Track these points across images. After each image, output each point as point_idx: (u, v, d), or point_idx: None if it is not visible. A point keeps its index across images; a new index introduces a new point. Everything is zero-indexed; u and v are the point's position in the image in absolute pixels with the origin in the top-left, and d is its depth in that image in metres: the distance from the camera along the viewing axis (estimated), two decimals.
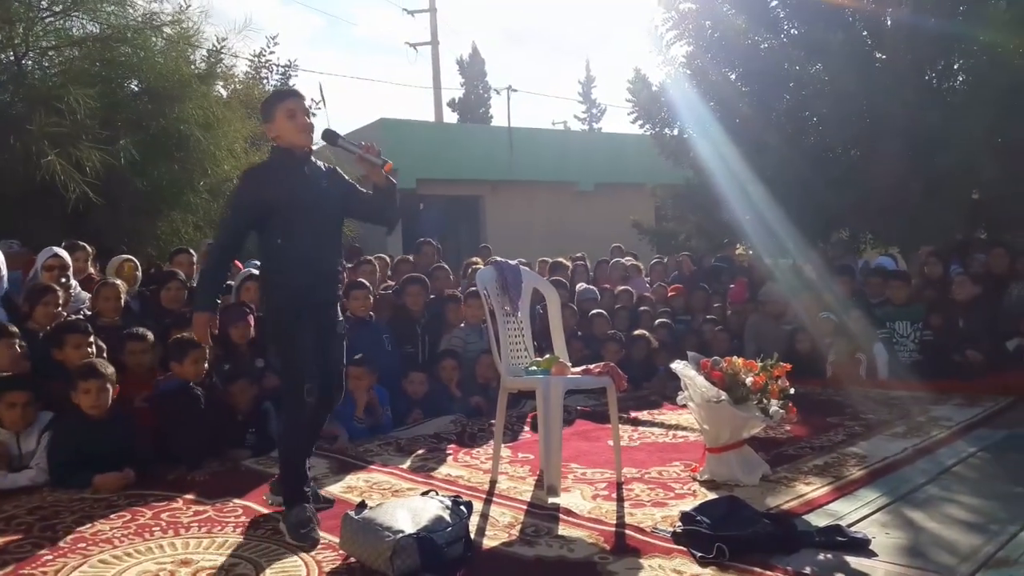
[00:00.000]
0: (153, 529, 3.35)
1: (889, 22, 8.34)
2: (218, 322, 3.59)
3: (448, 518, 2.94)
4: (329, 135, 3.50)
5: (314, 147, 3.49)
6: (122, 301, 5.35)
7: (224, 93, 9.89)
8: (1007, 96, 7.60)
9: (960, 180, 8.15)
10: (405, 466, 4.41)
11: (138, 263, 6.29)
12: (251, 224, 3.38)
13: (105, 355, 4.76)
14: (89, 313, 5.27)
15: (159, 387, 4.60)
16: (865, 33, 8.87)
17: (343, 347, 3.59)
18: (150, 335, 4.84)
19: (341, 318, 3.59)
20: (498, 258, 4.99)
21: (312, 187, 3.39)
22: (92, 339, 4.58)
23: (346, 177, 3.61)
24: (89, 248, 6.23)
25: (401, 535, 2.77)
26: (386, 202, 3.56)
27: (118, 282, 5.43)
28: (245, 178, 3.53)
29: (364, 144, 3.45)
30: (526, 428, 5.43)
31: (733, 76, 9.73)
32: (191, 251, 6.84)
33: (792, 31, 9.48)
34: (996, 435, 4.88)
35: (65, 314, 4.94)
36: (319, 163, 3.52)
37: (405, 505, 3.04)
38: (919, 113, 7.98)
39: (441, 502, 3.06)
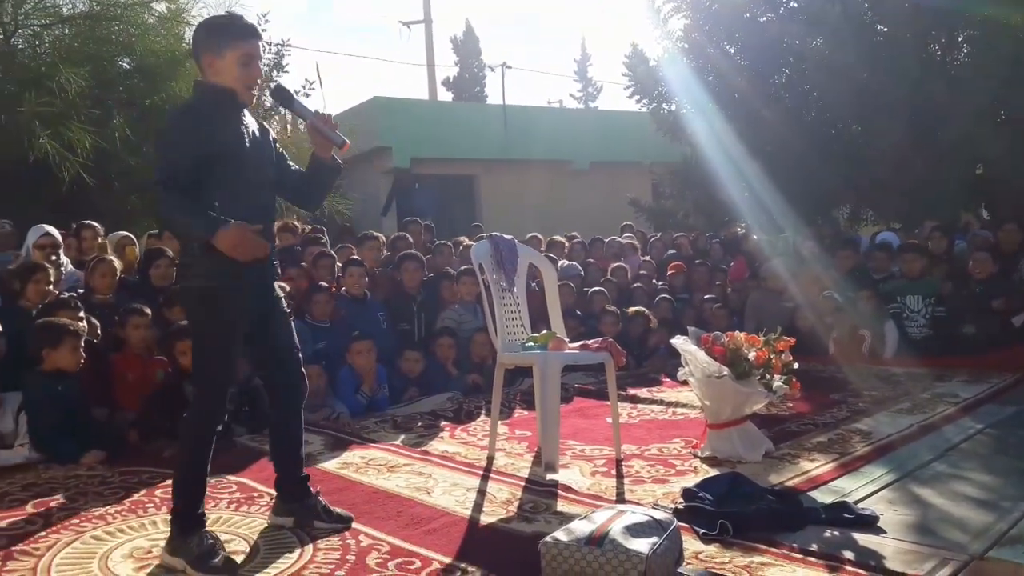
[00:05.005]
0: (147, 506, 3.29)
1: None
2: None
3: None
4: (282, 95, 2.99)
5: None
6: (116, 278, 5.28)
7: None
8: (1011, 68, 7.51)
9: (963, 155, 8.05)
10: (399, 442, 4.36)
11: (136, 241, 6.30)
12: (191, 166, 2.59)
13: (100, 332, 4.75)
14: (82, 291, 5.20)
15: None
16: (867, 5, 8.73)
17: (292, 327, 3.01)
18: (148, 310, 4.81)
19: (281, 295, 3.00)
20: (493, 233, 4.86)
21: (252, 140, 2.77)
22: (82, 315, 4.51)
23: (274, 141, 2.98)
24: (98, 226, 6.25)
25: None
26: (324, 184, 3.06)
27: (113, 259, 5.38)
28: (178, 118, 2.79)
29: (320, 112, 2.95)
30: (522, 405, 5.35)
31: (731, 50, 9.61)
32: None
33: (791, 4, 9.34)
34: (1004, 411, 4.79)
35: (57, 292, 4.87)
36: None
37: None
38: (922, 87, 7.88)
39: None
